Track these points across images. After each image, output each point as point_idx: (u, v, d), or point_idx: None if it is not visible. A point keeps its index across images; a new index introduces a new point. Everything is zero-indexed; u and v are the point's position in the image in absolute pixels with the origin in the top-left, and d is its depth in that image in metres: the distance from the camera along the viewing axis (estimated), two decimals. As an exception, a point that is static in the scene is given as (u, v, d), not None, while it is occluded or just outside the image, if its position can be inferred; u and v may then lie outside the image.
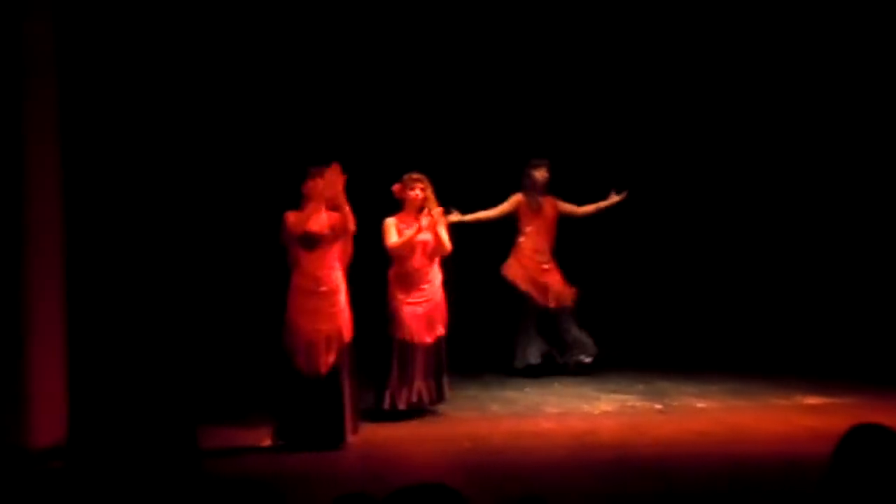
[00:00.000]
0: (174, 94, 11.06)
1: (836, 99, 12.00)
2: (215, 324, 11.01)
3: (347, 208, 8.18)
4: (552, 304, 10.95)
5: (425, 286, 9.35)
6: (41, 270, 7.93)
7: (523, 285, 10.99)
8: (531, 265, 11.02)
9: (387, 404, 9.28)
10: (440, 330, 9.40)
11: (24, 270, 7.83)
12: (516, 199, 11.06)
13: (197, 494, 3.62)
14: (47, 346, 7.94)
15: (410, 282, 9.33)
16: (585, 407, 9.58)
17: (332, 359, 8.17)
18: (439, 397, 9.49)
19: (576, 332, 10.99)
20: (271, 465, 7.83)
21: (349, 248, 8.32)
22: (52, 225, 8.06)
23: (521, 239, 11.07)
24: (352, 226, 8.21)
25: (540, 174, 11.00)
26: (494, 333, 11.37)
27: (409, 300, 9.30)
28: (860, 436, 3.50)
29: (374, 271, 9.42)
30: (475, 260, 11.69)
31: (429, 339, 9.33)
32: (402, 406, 9.29)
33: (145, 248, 10.89)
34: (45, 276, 7.95)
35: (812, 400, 9.63)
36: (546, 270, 11.01)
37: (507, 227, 11.16)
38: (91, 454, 3.67)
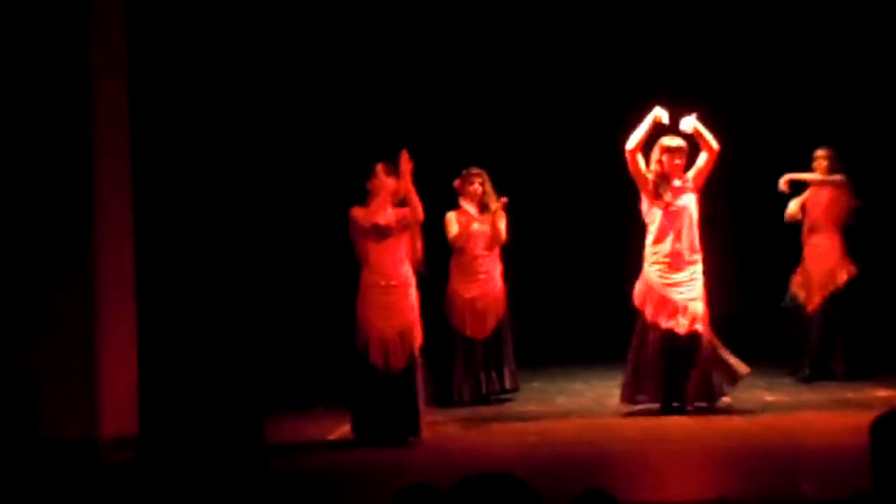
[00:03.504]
0: (241, 91, 11.13)
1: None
2: (283, 317, 11.07)
3: (415, 197, 8.21)
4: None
5: (483, 275, 9.57)
6: (112, 265, 8.02)
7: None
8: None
9: (454, 397, 9.41)
10: (498, 322, 9.52)
11: (96, 265, 7.93)
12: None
13: (260, 490, 3.65)
14: (118, 339, 8.03)
15: (468, 270, 9.58)
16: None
17: (406, 354, 8.19)
18: (503, 388, 9.57)
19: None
20: (339, 459, 7.88)
21: (419, 243, 8.33)
22: (123, 221, 8.15)
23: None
24: (420, 215, 8.23)
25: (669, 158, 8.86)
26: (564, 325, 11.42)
27: (467, 293, 9.47)
28: (891, 422, 3.48)
29: (438, 266, 9.53)
30: (544, 251, 11.76)
31: (486, 332, 9.49)
32: (467, 398, 9.40)
33: (215, 244, 10.98)
34: (115, 270, 8.04)
35: (883, 392, 9.53)
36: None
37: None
38: (161, 445, 3.71)
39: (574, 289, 12.07)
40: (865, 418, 3.64)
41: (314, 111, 11.51)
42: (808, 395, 9.60)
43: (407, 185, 8.17)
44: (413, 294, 8.30)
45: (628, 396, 8.93)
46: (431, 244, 9.54)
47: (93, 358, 7.86)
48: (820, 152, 10.22)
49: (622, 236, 11.07)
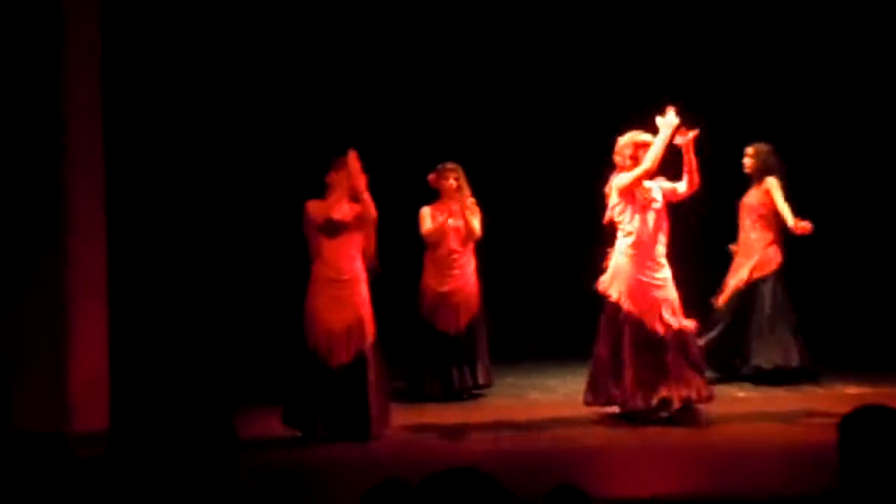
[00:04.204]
0: (213, 88, 11.09)
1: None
2: (255, 313, 11.05)
3: (367, 195, 8.14)
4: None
5: (457, 271, 9.58)
6: (84, 259, 8.00)
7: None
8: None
9: (424, 391, 9.43)
10: (472, 317, 9.54)
11: (68, 259, 7.91)
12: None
13: (233, 486, 3.64)
14: (89, 333, 8.01)
15: (442, 266, 9.57)
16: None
17: (354, 349, 8.12)
18: (476, 383, 9.58)
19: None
20: (310, 454, 7.86)
21: (373, 240, 8.29)
22: (95, 215, 8.13)
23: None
24: (372, 212, 8.17)
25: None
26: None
27: (441, 287, 9.48)
28: (861, 418, 3.51)
29: (411, 260, 9.56)
30: (518, 247, 11.77)
31: (459, 327, 9.50)
32: (437, 393, 9.42)
33: (186, 239, 10.96)
34: (87, 264, 8.02)
35: (852, 390, 9.59)
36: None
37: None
38: (132, 440, 3.70)
39: (548, 285, 12.09)
40: (835, 414, 3.67)
41: (287, 107, 11.47)
42: (778, 391, 9.64)
43: (357, 183, 8.12)
44: (364, 290, 8.22)
45: (612, 399, 8.46)
46: (405, 239, 9.58)
47: (64, 352, 7.83)
48: (748, 150, 10.09)
49: (597, 233, 11.12)
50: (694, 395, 8.38)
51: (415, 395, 9.45)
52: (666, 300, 8.36)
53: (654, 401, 8.34)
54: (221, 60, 11.15)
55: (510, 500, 2.97)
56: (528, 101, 11.98)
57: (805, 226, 9.75)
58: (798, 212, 9.95)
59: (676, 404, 8.35)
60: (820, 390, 9.61)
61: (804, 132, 11.40)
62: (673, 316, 8.35)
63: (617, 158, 8.53)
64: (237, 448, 3.72)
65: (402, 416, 8.71)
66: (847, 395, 9.38)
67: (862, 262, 11.95)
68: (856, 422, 3.50)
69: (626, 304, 8.37)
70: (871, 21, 11.58)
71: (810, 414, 8.59)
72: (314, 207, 8.19)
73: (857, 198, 11.92)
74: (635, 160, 8.44)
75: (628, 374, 8.32)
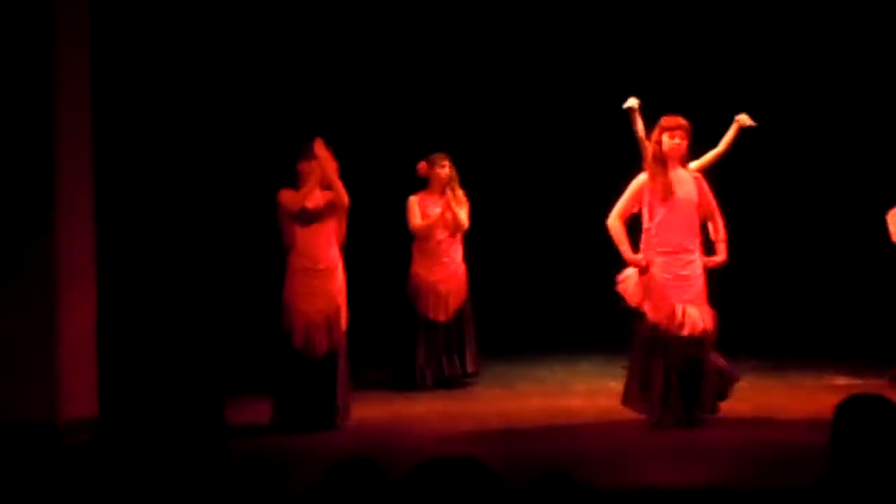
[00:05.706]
0: (202, 82, 11.06)
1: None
2: (248, 301, 11.03)
3: (339, 183, 8.12)
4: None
5: (446, 259, 9.63)
6: (73, 248, 7.98)
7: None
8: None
9: (416, 381, 9.44)
10: (460, 305, 9.56)
11: (57, 247, 7.88)
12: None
13: (222, 472, 3.64)
14: (78, 321, 7.99)
15: (431, 255, 9.61)
16: (614, 385, 9.54)
17: (330, 338, 8.11)
18: (465, 372, 9.60)
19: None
20: (298, 442, 7.86)
21: (343, 227, 8.26)
22: (84, 204, 8.10)
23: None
24: (345, 199, 8.15)
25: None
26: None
27: (431, 276, 9.50)
28: (855, 407, 3.52)
29: (398, 249, 9.57)
30: (507, 237, 11.78)
31: (449, 315, 9.52)
32: (429, 382, 9.44)
33: (175, 227, 10.94)
34: (76, 252, 8.00)
35: (842, 380, 9.61)
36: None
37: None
38: (121, 428, 3.69)
39: (536, 275, 12.10)
40: (824, 405, 3.68)
41: (278, 98, 11.43)
42: (768, 381, 9.67)
43: (326, 172, 8.08)
44: (340, 278, 8.21)
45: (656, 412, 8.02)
46: (393, 228, 9.58)
47: (52, 339, 7.81)
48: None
49: (585, 223, 11.11)
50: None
51: (404, 383, 9.46)
52: (688, 301, 8.01)
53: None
54: (205, 51, 11.10)
55: (503, 488, 2.97)
56: (514, 93, 11.96)
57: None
58: (779, 204, 10.02)
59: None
60: (809, 382, 9.64)
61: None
62: (693, 320, 8.00)
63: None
64: (227, 434, 3.73)
65: (392, 405, 8.72)
66: (836, 386, 9.40)
67: (852, 254, 11.96)
68: (850, 410, 3.50)
69: (646, 309, 8.06)
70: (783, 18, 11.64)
71: (798, 404, 8.61)
72: (287, 197, 8.16)
73: (841, 193, 11.94)
74: (659, 144, 8.02)
75: (655, 388, 7.98)
